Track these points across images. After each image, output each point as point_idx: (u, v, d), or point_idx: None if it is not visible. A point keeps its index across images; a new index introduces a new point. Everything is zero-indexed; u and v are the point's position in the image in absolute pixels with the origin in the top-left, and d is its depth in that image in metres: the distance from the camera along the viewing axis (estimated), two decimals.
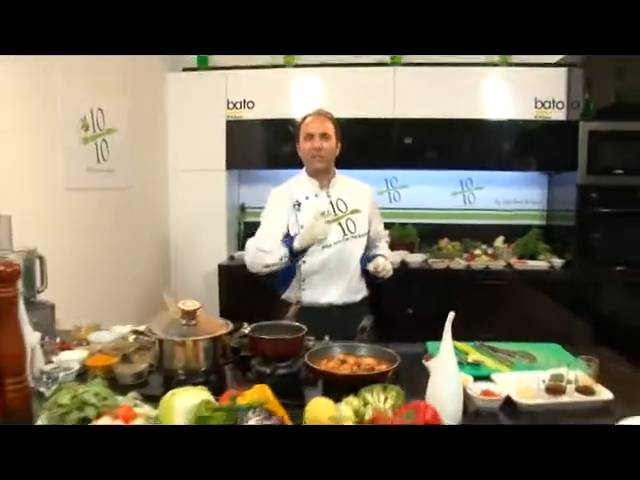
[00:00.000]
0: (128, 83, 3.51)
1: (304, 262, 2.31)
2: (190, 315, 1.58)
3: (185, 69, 4.29)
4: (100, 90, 3.21)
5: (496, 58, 4.08)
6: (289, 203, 2.37)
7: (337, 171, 2.46)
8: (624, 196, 3.68)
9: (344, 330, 1.96)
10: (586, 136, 3.70)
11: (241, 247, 4.33)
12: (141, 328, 1.86)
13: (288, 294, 2.37)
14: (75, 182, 2.98)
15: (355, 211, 2.37)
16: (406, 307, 3.76)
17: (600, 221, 3.75)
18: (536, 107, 4.00)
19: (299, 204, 2.36)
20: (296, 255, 2.27)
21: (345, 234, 2.34)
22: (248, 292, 3.22)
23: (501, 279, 3.82)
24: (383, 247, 2.57)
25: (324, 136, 2.32)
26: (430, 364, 1.60)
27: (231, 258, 4.22)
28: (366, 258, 2.44)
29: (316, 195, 2.38)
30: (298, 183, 2.44)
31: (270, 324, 1.80)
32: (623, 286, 3.71)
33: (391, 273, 2.38)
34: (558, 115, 3.99)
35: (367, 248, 2.47)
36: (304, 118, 2.41)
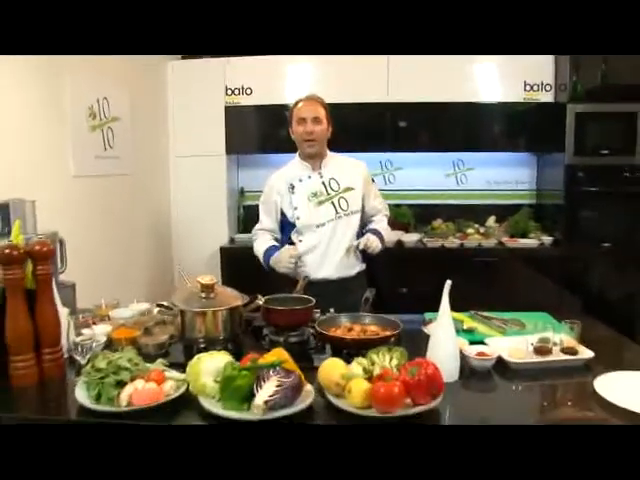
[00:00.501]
0: (130, 72, 3.62)
1: (300, 241, 2.48)
2: (209, 288, 1.73)
3: (184, 57, 4.38)
4: (105, 79, 3.31)
5: None
6: (284, 187, 2.51)
7: (330, 152, 2.58)
8: (610, 175, 3.82)
9: (342, 302, 2.10)
10: (573, 118, 3.83)
11: (241, 230, 4.49)
12: (164, 304, 1.98)
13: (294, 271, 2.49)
14: (84, 169, 3.09)
15: (348, 189, 2.49)
16: (400, 287, 3.90)
17: (587, 200, 3.89)
18: (525, 90, 4.11)
19: (293, 187, 2.50)
20: (289, 241, 2.52)
21: (337, 212, 2.46)
22: (249, 273, 3.31)
23: (493, 256, 3.96)
24: (379, 220, 2.64)
25: (316, 120, 2.43)
26: (429, 327, 1.75)
27: (232, 240, 4.36)
28: (362, 233, 2.55)
29: (309, 177, 2.50)
30: (292, 166, 2.58)
31: (281, 297, 1.95)
32: (609, 262, 3.86)
33: (379, 248, 2.47)
34: (546, 97, 4.10)
35: (363, 223, 2.59)
36: (296, 103, 2.52)
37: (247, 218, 4.52)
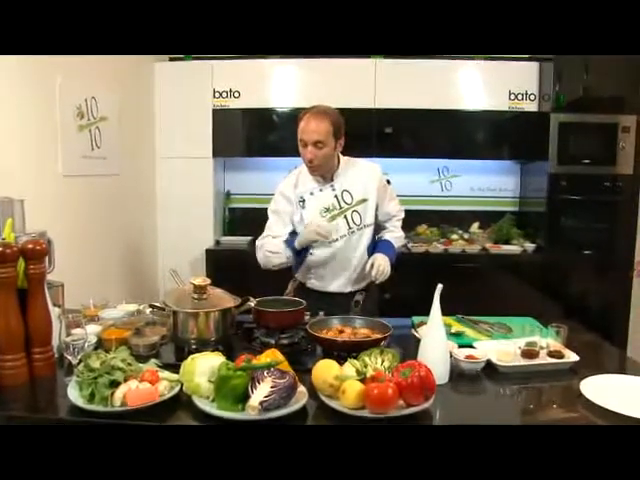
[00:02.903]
0: (118, 72, 3.60)
1: (311, 254, 2.33)
2: (201, 289, 1.73)
3: (172, 58, 4.39)
4: (93, 78, 3.29)
5: None
6: (294, 199, 2.35)
7: (343, 158, 2.39)
8: (591, 184, 3.92)
9: (347, 310, 2.09)
10: (556, 127, 3.92)
11: (227, 232, 4.50)
12: (156, 304, 1.98)
13: (299, 274, 2.45)
14: (73, 169, 3.07)
15: (362, 201, 2.34)
16: (383, 292, 3.92)
17: (569, 208, 3.99)
18: (510, 99, 4.19)
19: (303, 200, 2.34)
20: (300, 252, 2.32)
21: (350, 227, 2.33)
22: (234, 276, 3.33)
23: (476, 262, 4.02)
24: (391, 228, 2.50)
25: (317, 145, 2.20)
26: (420, 330, 1.78)
27: (217, 243, 4.35)
28: (373, 243, 2.43)
29: (320, 190, 2.34)
30: (302, 178, 2.39)
31: (272, 299, 1.97)
32: (589, 269, 3.95)
33: (389, 274, 2.30)
34: (530, 107, 4.18)
35: (376, 231, 2.47)
36: (301, 117, 2.27)
37: (233, 221, 4.55)
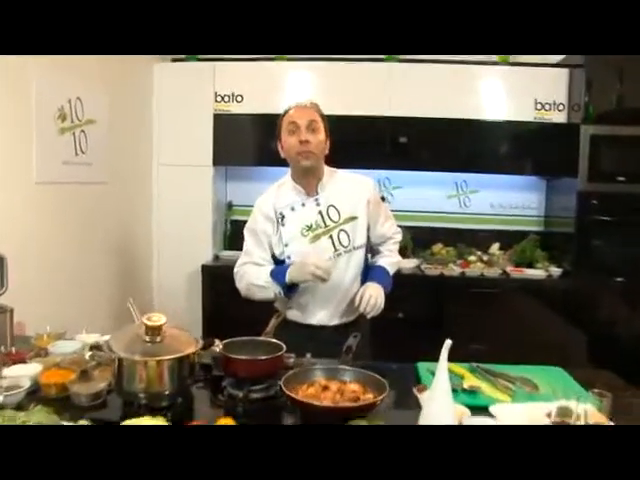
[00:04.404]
0: (110, 72, 3.32)
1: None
2: (155, 331, 1.41)
3: (175, 59, 4.13)
4: (78, 78, 3.02)
5: (495, 57, 3.95)
6: (274, 216, 2.03)
7: (328, 169, 2.08)
8: (626, 204, 3.56)
9: (333, 349, 1.76)
10: (587, 140, 3.58)
11: (227, 246, 4.20)
12: (105, 339, 1.68)
13: (278, 303, 2.13)
14: (49, 176, 2.79)
15: (350, 219, 2.01)
16: (396, 312, 3.60)
17: (600, 229, 3.63)
18: (536, 109, 3.87)
19: (282, 217, 2.01)
20: (292, 287, 1.96)
21: (336, 249, 1.99)
22: (233, 294, 3.04)
23: (496, 287, 3.70)
24: (387, 253, 2.17)
25: (311, 126, 1.93)
26: (422, 396, 1.43)
27: (216, 258, 4.07)
28: (366, 269, 2.11)
29: (303, 204, 2.01)
30: (281, 191, 2.06)
31: (245, 340, 1.64)
32: (622, 298, 3.60)
33: (382, 307, 1.95)
34: (559, 117, 3.85)
35: (369, 255, 2.17)
36: (285, 112, 2.02)
37: (234, 234, 4.25)
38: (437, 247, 4.10)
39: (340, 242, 1.99)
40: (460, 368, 1.68)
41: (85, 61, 2.97)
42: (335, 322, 2.04)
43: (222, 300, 3.63)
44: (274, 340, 1.64)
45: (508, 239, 4.11)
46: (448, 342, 1.20)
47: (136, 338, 1.42)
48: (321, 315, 2.03)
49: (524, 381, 1.62)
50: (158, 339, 1.41)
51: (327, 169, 2.07)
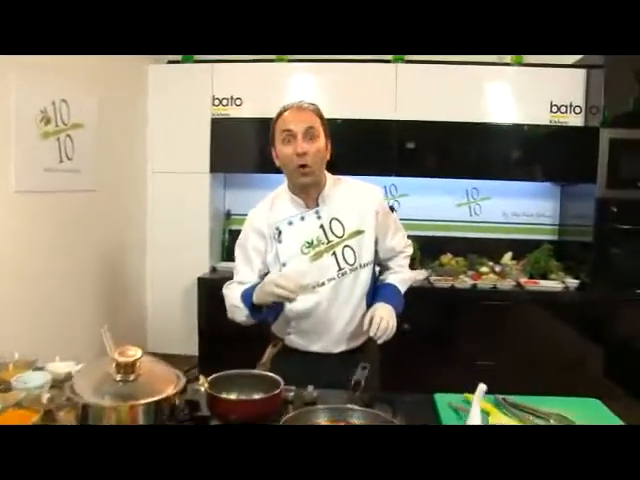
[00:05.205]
0: (100, 73, 3.13)
1: (297, 295, 1.69)
2: (128, 368, 1.19)
3: (170, 62, 3.94)
4: (64, 79, 2.82)
5: (508, 57, 3.78)
6: (268, 230, 1.80)
7: (331, 177, 1.84)
8: None
9: (339, 379, 1.57)
10: (607, 145, 3.39)
11: (225, 258, 4.01)
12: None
13: (276, 327, 1.91)
14: (30, 184, 2.59)
15: (356, 233, 1.79)
16: (402, 323, 3.40)
17: (620, 238, 3.45)
18: (551, 111, 3.68)
19: (280, 232, 1.78)
20: (262, 310, 1.74)
21: (341, 267, 1.77)
22: None
23: (510, 300, 3.51)
24: (398, 269, 1.95)
25: (309, 134, 1.69)
26: None
27: (213, 270, 3.86)
28: (374, 288, 1.88)
29: (302, 218, 1.78)
30: (277, 203, 1.84)
31: (237, 374, 1.42)
32: None
33: (394, 331, 1.72)
34: (575, 121, 3.66)
35: (377, 271, 1.96)
36: (279, 114, 1.76)
37: (233, 245, 4.00)
38: (446, 258, 3.89)
39: (345, 260, 1.77)
40: (485, 403, 1.46)
41: (72, 60, 2.77)
42: (340, 348, 1.82)
43: (219, 315, 3.41)
44: (270, 374, 1.42)
45: (520, 249, 3.90)
46: (482, 387, 0.99)
47: (106, 377, 1.21)
48: (324, 341, 1.81)
49: (558, 417, 1.40)
50: (132, 377, 1.20)
51: (329, 177, 1.84)
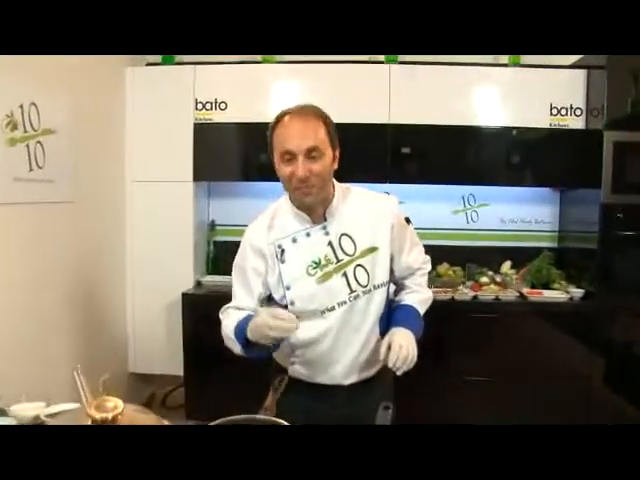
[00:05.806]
0: (73, 75, 2.90)
1: (296, 327, 1.48)
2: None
3: (149, 64, 3.75)
4: (32, 80, 2.59)
5: (505, 58, 3.63)
6: (268, 251, 1.63)
7: (340, 187, 1.67)
8: None
9: (349, 415, 1.41)
10: (611, 148, 3.26)
11: (211, 271, 3.81)
12: (50, 411, 1.24)
13: (278, 356, 1.70)
14: None
15: (369, 251, 1.61)
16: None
17: (626, 246, 3.33)
18: (551, 114, 3.53)
19: (282, 251, 1.60)
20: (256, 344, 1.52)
21: (352, 290, 1.59)
22: (218, 326, 2.65)
23: (513, 313, 3.36)
24: (416, 288, 1.77)
25: (312, 154, 1.50)
26: None
27: (198, 285, 3.65)
28: (388, 310, 1.69)
29: (307, 234, 1.61)
30: (278, 217, 1.66)
31: (240, 420, 1.21)
32: None
33: (415, 359, 1.52)
34: (576, 123, 3.53)
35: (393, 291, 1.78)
36: (277, 120, 1.57)
37: (218, 257, 3.85)
38: (443, 268, 3.73)
39: (357, 281, 1.58)
40: None
41: (41, 60, 2.53)
42: (351, 380, 1.62)
43: (205, 332, 3.22)
44: (277, 421, 1.22)
45: (520, 257, 3.76)
46: None
47: None
48: (334, 371, 1.61)
49: None
50: None
51: (338, 187, 1.65)
